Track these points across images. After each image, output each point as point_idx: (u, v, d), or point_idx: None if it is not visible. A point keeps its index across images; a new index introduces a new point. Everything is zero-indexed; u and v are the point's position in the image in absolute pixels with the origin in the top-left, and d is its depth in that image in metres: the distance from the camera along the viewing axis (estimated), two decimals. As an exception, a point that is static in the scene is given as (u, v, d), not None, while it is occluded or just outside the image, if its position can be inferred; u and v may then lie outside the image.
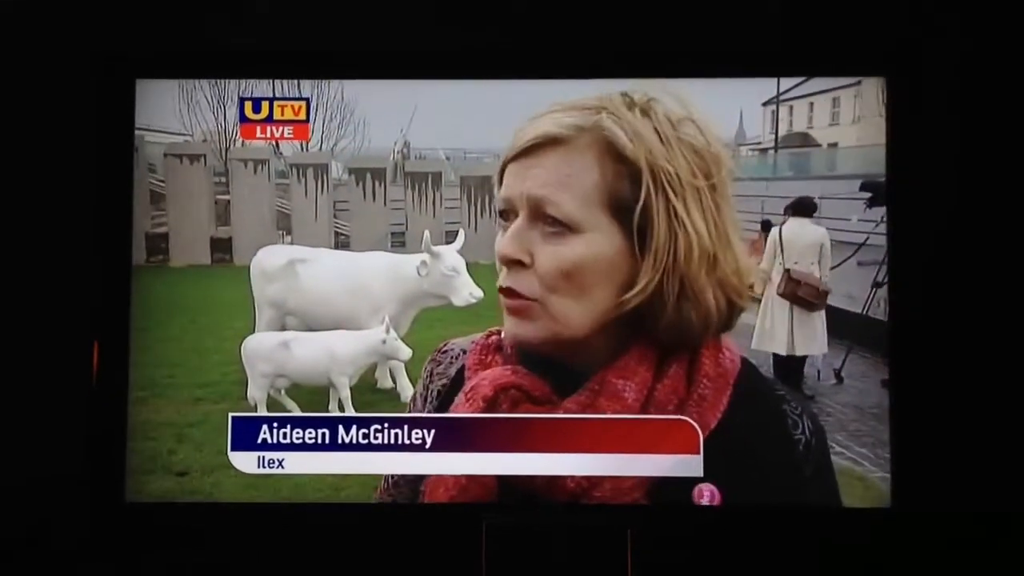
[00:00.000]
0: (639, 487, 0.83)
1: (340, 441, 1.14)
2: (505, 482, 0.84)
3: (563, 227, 0.80)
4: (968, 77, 1.28)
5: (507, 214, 0.84)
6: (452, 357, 0.92)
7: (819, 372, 1.35)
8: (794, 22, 1.29)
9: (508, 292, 0.83)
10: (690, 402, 0.84)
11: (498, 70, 1.18)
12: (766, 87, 1.27)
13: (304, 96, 1.27)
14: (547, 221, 0.81)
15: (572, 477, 0.83)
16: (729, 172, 0.83)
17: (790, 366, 1.35)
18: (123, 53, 1.21)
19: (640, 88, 0.85)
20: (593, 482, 0.83)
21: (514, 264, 0.83)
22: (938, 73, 1.25)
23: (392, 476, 0.97)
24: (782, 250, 1.33)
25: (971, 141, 1.28)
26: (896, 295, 1.17)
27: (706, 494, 0.85)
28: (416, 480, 0.93)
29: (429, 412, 0.89)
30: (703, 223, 0.80)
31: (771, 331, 1.35)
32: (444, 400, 0.90)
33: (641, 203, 0.79)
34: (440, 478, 0.85)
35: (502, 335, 0.88)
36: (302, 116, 1.27)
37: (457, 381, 0.89)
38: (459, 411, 0.84)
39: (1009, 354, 1.27)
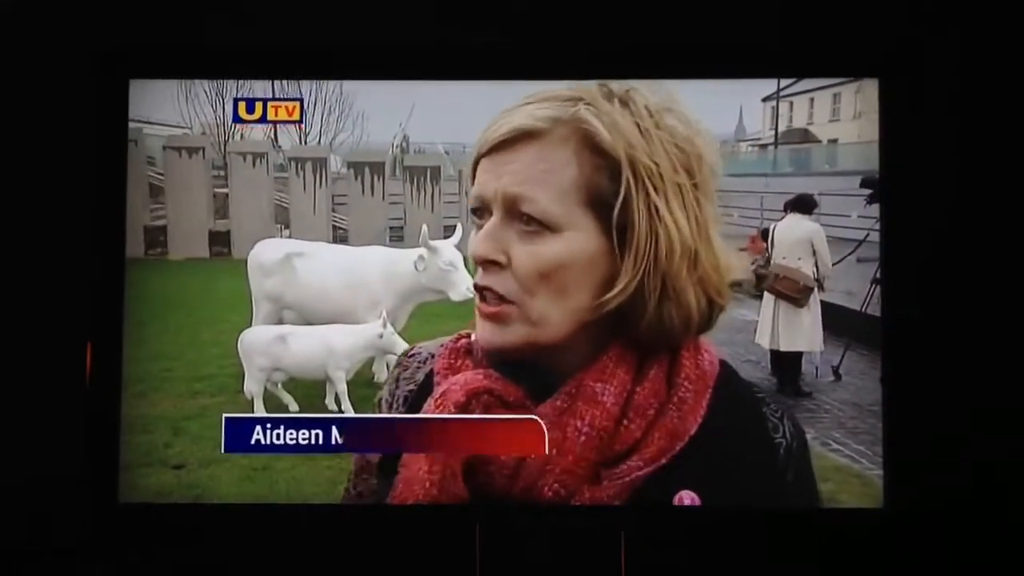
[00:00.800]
0: (619, 495, 0.80)
1: (334, 442, 1.14)
2: (479, 495, 0.81)
3: (540, 225, 0.77)
4: (962, 77, 1.27)
5: (481, 212, 0.80)
6: (420, 361, 0.88)
7: (817, 369, 1.35)
8: (789, 23, 1.28)
9: (485, 291, 0.80)
10: (670, 405, 0.80)
11: (497, 71, 1.17)
12: (766, 83, 1.27)
13: (299, 96, 1.27)
14: (523, 219, 0.77)
15: (550, 486, 0.79)
16: (711, 169, 0.80)
17: (784, 362, 1.35)
18: (118, 52, 1.20)
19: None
20: (571, 491, 0.80)
21: (490, 264, 0.79)
22: (930, 73, 1.24)
23: (356, 487, 0.93)
24: (772, 246, 1.33)
25: (965, 141, 1.27)
26: (890, 293, 1.17)
27: (687, 501, 0.82)
28: (381, 491, 0.89)
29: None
30: (684, 220, 0.77)
31: (763, 325, 1.35)
32: (412, 406, 0.86)
33: (621, 198, 0.76)
34: (409, 490, 0.81)
35: (472, 338, 0.85)
36: (295, 116, 1.27)
37: (425, 386, 0.86)
38: None
39: (1004, 352, 1.27)
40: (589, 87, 0.81)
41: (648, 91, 0.81)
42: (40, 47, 1.29)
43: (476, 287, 0.80)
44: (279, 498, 1.25)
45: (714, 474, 0.81)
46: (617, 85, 0.81)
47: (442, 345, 0.87)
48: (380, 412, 0.88)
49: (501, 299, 0.79)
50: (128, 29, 1.27)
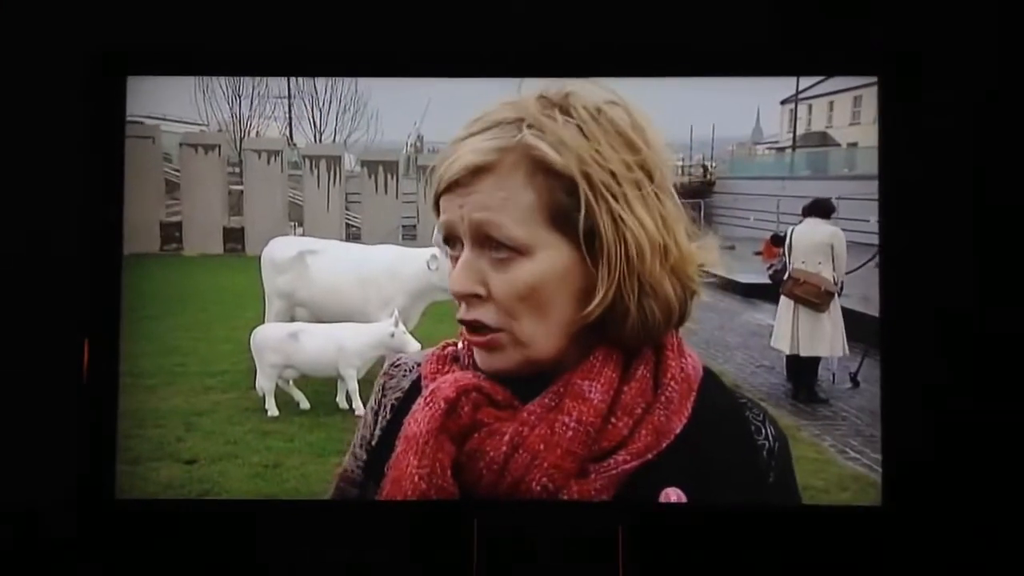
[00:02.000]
0: (607, 489, 0.80)
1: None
2: (467, 490, 0.82)
3: (510, 251, 0.78)
4: (964, 76, 1.25)
5: (452, 241, 0.82)
6: (406, 370, 0.90)
7: (834, 376, 1.33)
8: (788, 21, 1.26)
9: (472, 324, 0.82)
10: (657, 405, 0.81)
11: (511, 69, 1.16)
12: (784, 85, 1.25)
13: (314, 94, 1.28)
14: (493, 246, 0.78)
15: (538, 481, 0.80)
16: (663, 164, 0.81)
17: (801, 367, 1.33)
18: (119, 50, 1.20)
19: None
20: (558, 486, 0.80)
21: (471, 299, 0.81)
22: (930, 72, 1.22)
23: (342, 495, 0.94)
24: (791, 250, 1.32)
25: (966, 140, 1.24)
26: (890, 292, 1.14)
27: (673, 497, 0.82)
28: (365, 483, 0.90)
29: (382, 428, 0.87)
30: (649, 217, 0.78)
31: (781, 330, 1.34)
32: (398, 413, 0.86)
33: (583, 212, 0.77)
34: (398, 487, 0.82)
35: (458, 346, 0.87)
36: None
37: (412, 393, 0.87)
38: (417, 417, 0.81)
39: (1003, 352, 1.24)
40: (528, 104, 0.81)
41: (585, 91, 0.81)
42: (40, 43, 1.29)
43: (461, 321, 0.81)
44: (288, 495, 1.25)
45: (699, 472, 0.81)
46: (555, 92, 0.81)
47: (430, 353, 0.88)
48: (366, 423, 0.89)
49: (489, 329, 0.80)
50: (135, 26, 1.27)
